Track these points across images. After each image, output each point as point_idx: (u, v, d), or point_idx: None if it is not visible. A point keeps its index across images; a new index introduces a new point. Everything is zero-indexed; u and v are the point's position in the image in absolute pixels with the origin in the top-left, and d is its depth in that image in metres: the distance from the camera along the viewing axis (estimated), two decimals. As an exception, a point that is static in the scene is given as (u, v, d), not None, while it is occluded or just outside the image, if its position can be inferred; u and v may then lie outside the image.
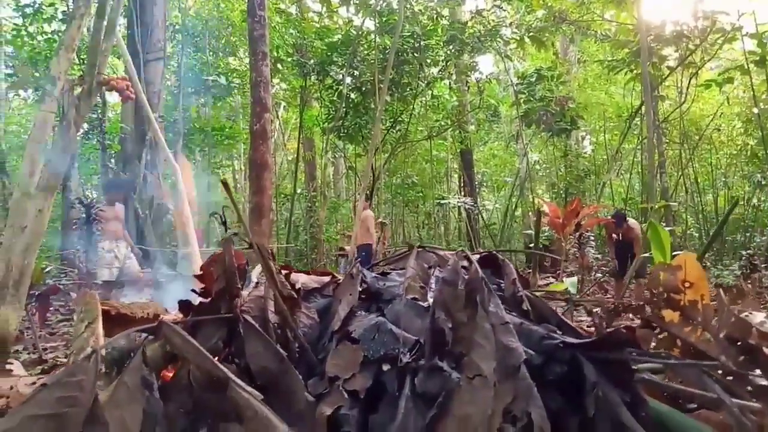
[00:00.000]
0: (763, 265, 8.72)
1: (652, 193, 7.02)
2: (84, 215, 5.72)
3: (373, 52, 12.11)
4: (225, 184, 1.15)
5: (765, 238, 12.56)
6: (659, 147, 12.28)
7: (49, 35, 11.60)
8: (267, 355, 1.06)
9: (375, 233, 9.64)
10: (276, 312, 1.18)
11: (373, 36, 12.56)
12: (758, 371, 1.01)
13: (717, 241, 12.71)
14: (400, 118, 14.00)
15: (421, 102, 14.63)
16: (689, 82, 12.29)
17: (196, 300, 1.24)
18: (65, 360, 3.48)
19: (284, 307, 1.15)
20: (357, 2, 12.57)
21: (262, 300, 1.22)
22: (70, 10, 10.04)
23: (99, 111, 10.60)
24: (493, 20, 12.66)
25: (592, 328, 1.38)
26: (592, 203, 12.24)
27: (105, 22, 3.16)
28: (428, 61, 12.93)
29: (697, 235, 14.84)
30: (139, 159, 8.55)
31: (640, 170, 15.07)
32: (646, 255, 5.19)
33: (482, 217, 16.98)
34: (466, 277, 1.05)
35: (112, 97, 13.38)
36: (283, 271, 1.32)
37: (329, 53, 12.50)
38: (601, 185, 15.39)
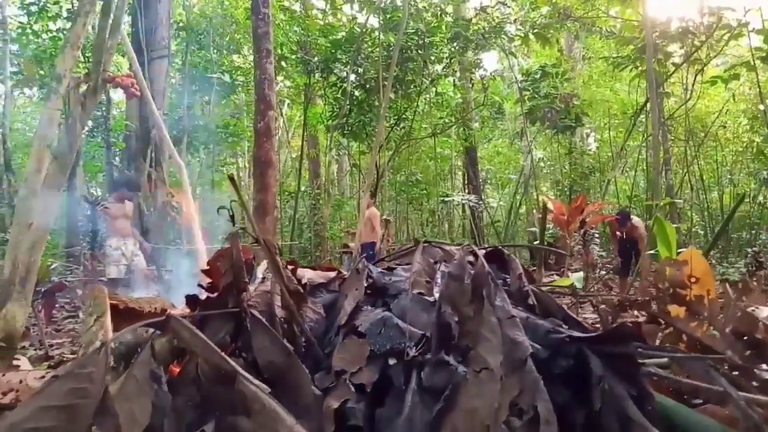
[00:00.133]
0: (768, 263, 8.67)
1: (657, 190, 7.00)
2: (89, 212, 5.75)
3: (377, 49, 12.10)
4: (232, 179, 1.16)
5: (771, 236, 12.50)
6: (664, 144, 12.24)
7: (54, 33, 11.64)
8: (274, 349, 1.06)
9: (380, 231, 9.63)
10: (282, 307, 1.19)
11: (377, 33, 12.54)
12: (764, 365, 1.01)
13: (722, 238, 12.66)
14: (404, 116, 13.99)
15: (425, 99, 14.62)
16: (695, 78, 12.23)
17: (203, 295, 1.25)
18: (71, 356, 3.50)
19: (291, 302, 1.16)
20: (361, -1, 12.58)
21: (269, 295, 1.22)
22: (75, 7, 10.07)
23: (104, 109, 10.65)
24: (497, 17, 12.61)
25: (598, 324, 1.38)
26: (596, 200, 12.20)
27: (110, 20, 3.16)
28: (432, 58, 12.91)
29: (702, 232, 14.79)
30: (144, 157, 8.57)
31: (645, 167, 15.02)
32: (651, 252, 5.18)
33: (488, 213, 16.95)
34: (472, 271, 1.05)
35: (117, 95, 13.43)
36: (289, 267, 1.32)
37: (333, 50, 12.49)
38: (606, 182, 15.34)
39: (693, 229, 14.85)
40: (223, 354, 0.93)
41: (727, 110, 14.94)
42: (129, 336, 1.15)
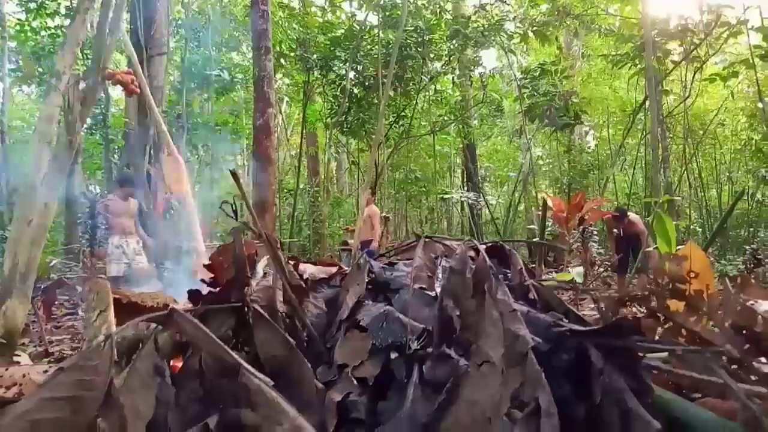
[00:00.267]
0: (767, 260, 8.70)
1: (655, 188, 7.02)
2: (88, 209, 5.73)
3: (377, 46, 12.10)
4: (234, 174, 1.16)
5: (769, 233, 12.53)
6: (663, 142, 12.26)
7: (53, 30, 11.62)
8: (276, 343, 1.07)
9: (380, 230, 9.62)
10: (284, 301, 1.19)
11: (376, 31, 12.53)
12: (763, 359, 1.02)
13: (721, 236, 12.69)
14: (403, 113, 13.99)
15: (424, 97, 14.62)
16: (693, 76, 12.24)
17: (205, 290, 1.25)
18: (71, 353, 3.51)
19: (293, 297, 1.16)
20: (360, -3, 12.57)
21: (271, 290, 1.23)
22: (74, 5, 10.05)
23: (102, 106, 10.63)
24: (496, 14, 12.62)
25: (598, 317, 1.39)
26: (595, 198, 12.22)
27: (109, 17, 3.16)
28: (431, 55, 12.91)
29: (700, 230, 14.82)
30: (143, 154, 8.56)
31: (643, 165, 15.05)
32: (650, 249, 5.20)
33: (488, 210, 16.95)
34: (473, 266, 1.06)
35: (116, 93, 13.42)
36: (291, 262, 1.33)
37: (332, 48, 12.49)
38: (605, 180, 15.37)
39: (691, 227, 14.88)
40: (226, 347, 0.94)
41: (726, 108, 14.96)
42: (130, 331, 1.15)
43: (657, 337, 1.23)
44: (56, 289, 4.62)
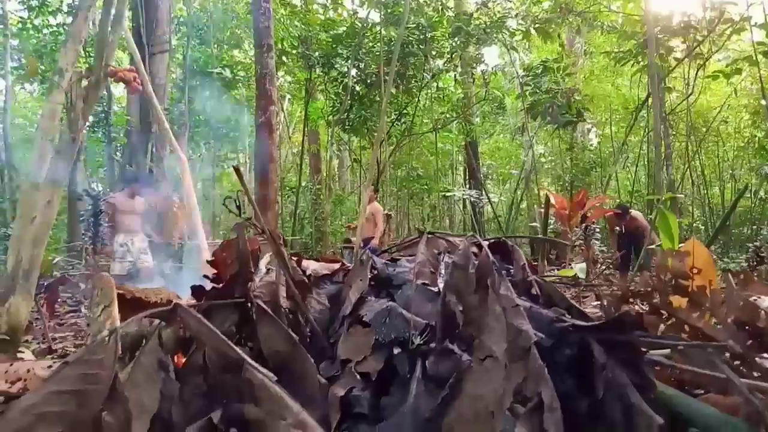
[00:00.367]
0: (769, 258, 8.67)
1: (658, 185, 6.99)
2: (90, 207, 5.70)
3: (379, 44, 12.08)
4: (237, 170, 1.17)
5: (772, 231, 12.50)
6: (666, 139, 12.21)
7: (55, 28, 11.64)
8: (279, 339, 1.07)
9: (382, 228, 9.59)
10: (287, 297, 1.19)
11: (378, 28, 12.51)
12: (766, 355, 1.02)
13: (724, 233, 12.66)
14: (405, 111, 13.97)
15: (426, 94, 14.59)
16: (696, 73, 12.21)
17: (209, 286, 1.25)
18: (74, 350, 3.52)
19: (296, 292, 1.17)
20: (362, -6, 12.54)
21: (274, 286, 1.23)
22: (76, 2, 10.05)
23: (105, 104, 10.65)
24: (498, 11, 12.58)
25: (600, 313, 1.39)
26: (598, 196, 12.20)
27: (112, 14, 3.16)
28: (433, 53, 12.88)
29: (703, 227, 14.80)
30: (145, 151, 8.58)
31: (646, 163, 15.02)
32: (652, 246, 5.19)
33: (492, 207, 16.93)
34: (476, 261, 1.06)
35: (118, 90, 13.43)
36: (294, 258, 1.33)
37: (334, 45, 12.47)
38: (607, 178, 15.33)
39: (694, 224, 14.86)
40: (230, 342, 0.94)
41: (729, 105, 14.92)
42: (134, 326, 1.16)
43: (660, 333, 1.23)
44: (59, 287, 4.63)
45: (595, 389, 0.89)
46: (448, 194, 16.64)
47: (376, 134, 11.42)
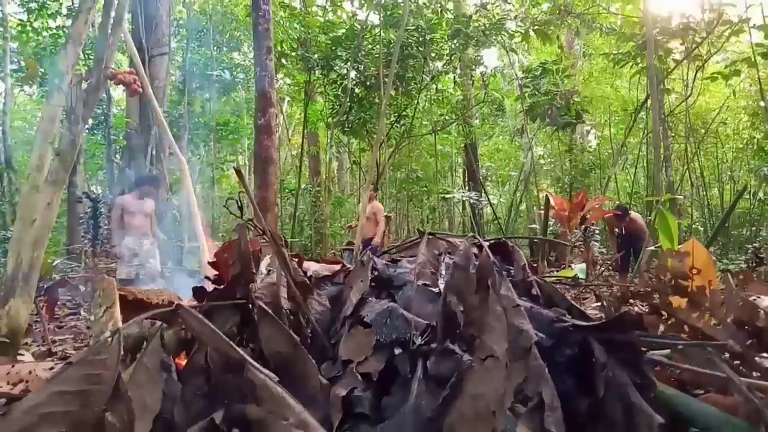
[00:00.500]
0: (769, 259, 8.67)
1: (657, 187, 7.01)
2: (90, 209, 5.70)
3: (378, 46, 12.10)
4: (238, 171, 1.17)
5: (771, 232, 12.51)
6: (665, 141, 12.24)
7: (54, 30, 11.65)
8: (280, 339, 1.07)
9: (383, 227, 9.57)
10: (289, 298, 1.20)
11: (377, 30, 12.53)
12: (765, 354, 1.02)
13: (723, 235, 12.68)
14: (404, 113, 13.99)
15: (425, 96, 14.62)
16: (695, 75, 12.23)
17: (210, 287, 1.26)
18: (74, 353, 3.52)
19: (297, 293, 1.17)
20: (361, -4, 12.57)
21: (275, 287, 1.24)
22: (75, 5, 10.07)
23: (104, 106, 10.66)
24: (497, 13, 12.61)
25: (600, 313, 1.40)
26: (597, 197, 12.21)
27: (112, 16, 3.17)
28: (433, 55, 12.90)
29: (702, 229, 14.82)
30: (145, 154, 8.58)
31: (645, 164, 15.05)
32: (652, 248, 5.20)
33: (492, 209, 16.95)
34: (477, 262, 1.06)
35: (117, 93, 13.45)
36: (295, 260, 1.33)
37: (333, 47, 12.49)
38: (606, 179, 15.36)
39: (693, 226, 14.87)
40: (231, 343, 0.94)
41: (728, 107, 14.95)
42: (135, 328, 1.16)
43: (659, 333, 1.24)
44: (59, 289, 4.63)
45: (595, 389, 0.90)
46: (447, 196, 16.65)
47: (375, 136, 11.43)
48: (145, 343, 1.04)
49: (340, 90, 13.12)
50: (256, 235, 1.28)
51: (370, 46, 12.67)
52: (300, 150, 14.92)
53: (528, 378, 0.85)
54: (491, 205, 16.69)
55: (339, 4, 14.36)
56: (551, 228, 11.64)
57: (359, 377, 0.98)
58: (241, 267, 1.16)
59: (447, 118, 15.39)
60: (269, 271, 1.46)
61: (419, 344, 1.02)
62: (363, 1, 12.91)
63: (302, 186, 14.78)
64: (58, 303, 5.76)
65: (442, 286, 1.19)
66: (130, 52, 4.84)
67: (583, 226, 5.65)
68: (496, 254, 1.33)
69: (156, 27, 8.96)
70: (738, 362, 1.05)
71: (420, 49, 12.22)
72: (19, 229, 2.90)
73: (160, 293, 1.34)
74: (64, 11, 11.49)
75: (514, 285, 1.12)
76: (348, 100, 12.59)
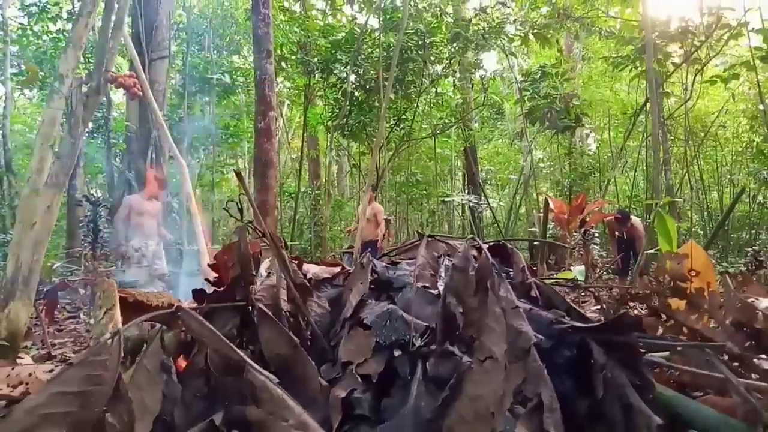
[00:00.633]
0: (768, 262, 8.68)
1: (657, 190, 7.01)
2: (90, 213, 5.69)
3: (377, 49, 12.11)
4: (238, 174, 1.18)
5: (770, 235, 12.51)
6: (664, 144, 12.25)
7: (54, 34, 11.66)
8: (280, 341, 1.08)
9: (383, 229, 9.55)
10: (288, 300, 1.20)
11: (377, 34, 12.55)
12: (764, 356, 1.02)
13: (722, 238, 12.68)
14: (404, 116, 14.00)
15: (425, 100, 14.63)
16: (694, 78, 12.25)
17: (210, 290, 1.26)
18: (73, 355, 3.51)
19: (297, 295, 1.17)
20: (361, 0, 12.59)
21: (275, 289, 1.24)
22: (75, 9, 10.09)
23: (104, 110, 10.66)
24: (497, 17, 12.63)
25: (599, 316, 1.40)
26: (596, 200, 12.21)
27: (112, 20, 3.18)
28: (432, 58, 12.92)
29: (701, 232, 14.82)
30: (145, 157, 8.59)
31: (644, 167, 15.05)
32: (650, 252, 5.20)
33: (492, 212, 16.94)
34: (476, 264, 1.07)
35: (117, 97, 13.46)
36: (294, 262, 1.34)
37: (333, 51, 12.51)
38: (606, 183, 15.37)
39: (693, 229, 14.87)
40: (232, 345, 0.95)
41: (727, 110, 14.97)
42: (135, 330, 1.16)
43: (658, 335, 1.24)
44: (59, 292, 4.63)
45: (594, 390, 0.90)
46: (446, 199, 16.64)
47: (375, 139, 11.45)
48: (145, 344, 1.04)
49: (339, 93, 13.13)
50: (256, 237, 1.28)
51: (369, 50, 12.69)
52: (300, 153, 14.93)
53: (527, 379, 0.86)
54: (491, 209, 16.69)
55: (339, 7, 14.39)
56: (551, 231, 11.65)
57: (359, 379, 0.98)
58: (241, 269, 1.17)
59: (446, 121, 15.40)
60: (269, 273, 1.46)
61: (419, 346, 1.02)
62: (363, 5, 12.94)
63: (302, 189, 14.78)
64: (58, 306, 5.75)
65: (441, 288, 1.19)
66: (131, 55, 4.85)
67: (582, 229, 5.66)
68: (496, 256, 1.34)
69: (156, 30, 8.97)
70: (736, 364, 1.06)
71: (419, 52, 12.24)
72: (19, 232, 2.90)
73: (160, 295, 1.35)
74: (65, 15, 11.51)
75: (513, 287, 1.12)
76: (348, 103, 12.60)
